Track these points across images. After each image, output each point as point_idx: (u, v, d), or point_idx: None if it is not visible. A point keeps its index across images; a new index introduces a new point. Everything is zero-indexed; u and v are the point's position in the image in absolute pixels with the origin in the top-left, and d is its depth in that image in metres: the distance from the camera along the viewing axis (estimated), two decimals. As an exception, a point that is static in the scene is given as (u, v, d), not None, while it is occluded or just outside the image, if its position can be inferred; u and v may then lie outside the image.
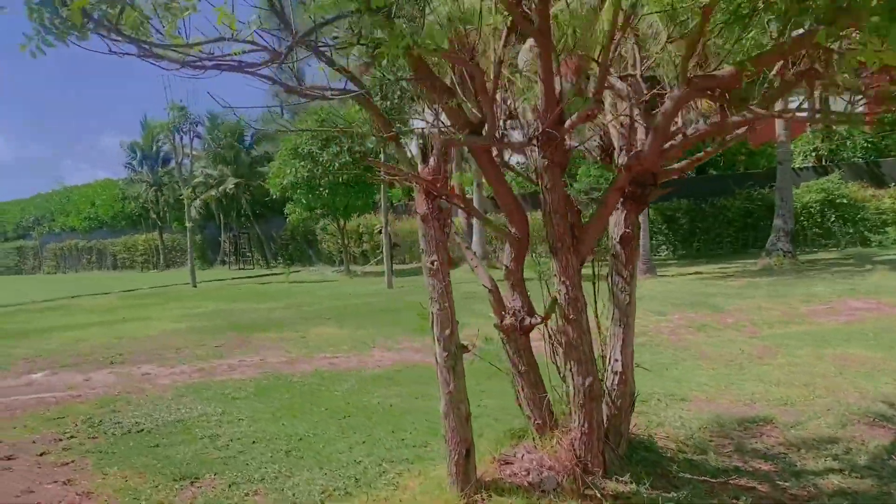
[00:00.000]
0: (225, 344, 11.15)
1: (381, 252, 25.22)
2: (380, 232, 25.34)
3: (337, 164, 23.44)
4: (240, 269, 33.84)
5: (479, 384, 6.55)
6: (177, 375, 8.87)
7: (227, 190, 31.68)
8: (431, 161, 3.98)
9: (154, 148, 37.59)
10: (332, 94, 4.97)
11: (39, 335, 13.39)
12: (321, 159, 23.66)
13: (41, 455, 5.71)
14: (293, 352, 10.11)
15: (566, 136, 4.03)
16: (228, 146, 31.94)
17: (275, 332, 12.03)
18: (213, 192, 30.90)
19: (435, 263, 4.00)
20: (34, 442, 6.12)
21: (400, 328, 11.69)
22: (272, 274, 29.22)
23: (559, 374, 4.49)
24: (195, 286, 23.94)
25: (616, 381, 4.39)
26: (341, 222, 26.50)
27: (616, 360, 4.40)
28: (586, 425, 4.12)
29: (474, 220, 23.46)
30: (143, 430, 6.29)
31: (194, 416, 6.61)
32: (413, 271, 25.38)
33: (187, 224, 24.34)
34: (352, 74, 4.60)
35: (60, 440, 6.13)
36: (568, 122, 3.88)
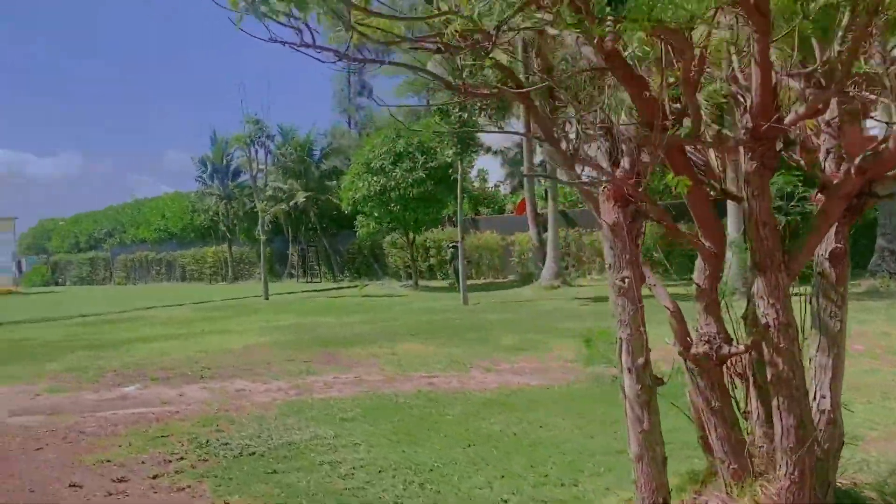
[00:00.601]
0: (314, 359, 10.81)
1: (451, 267, 24.81)
2: (454, 246, 24.94)
3: (410, 180, 23.17)
4: (308, 282, 33.88)
5: (606, 412, 5.98)
6: (273, 392, 8.52)
7: (297, 204, 31.79)
8: (624, 161, 3.46)
9: (224, 161, 38.14)
10: (493, 90, 4.51)
11: (123, 347, 13.32)
12: (393, 174, 23.44)
13: (154, 478, 5.36)
14: (387, 369, 9.69)
15: (780, 136, 3.46)
16: (299, 160, 32.10)
17: (362, 348, 11.65)
18: (282, 206, 31.02)
19: (626, 281, 3.47)
20: (143, 462, 5.79)
21: (489, 347, 11.19)
22: (341, 287, 29.10)
23: (738, 410, 3.91)
24: (267, 299, 23.91)
25: (824, 421, 3.77)
26: (410, 236, 26.22)
27: (823, 397, 3.78)
28: (796, 473, 3.50)
29: (549, 236, 22.85)
30: (254, 453, 5.90)
31: (305, 439, 6.20)
32: (482, 287, 24.88)
33: (261, 237, 24.37)
34: (511, 71, 4.13)
35: (170, 461, 5.79)
36: (791, 117, 3.31)
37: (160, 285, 41.39)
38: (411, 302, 20.25)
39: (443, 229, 29.07)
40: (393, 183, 23.34)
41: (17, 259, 56.92)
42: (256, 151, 24.42)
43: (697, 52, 3.29)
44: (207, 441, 6.31)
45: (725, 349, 3.67)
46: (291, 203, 31.34)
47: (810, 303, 3.93)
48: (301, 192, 32.17)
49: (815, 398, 3.83)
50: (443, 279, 29.46)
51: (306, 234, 34.90)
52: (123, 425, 7.18)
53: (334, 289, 28.73)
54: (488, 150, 33.89)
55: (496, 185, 32.57)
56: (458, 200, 19.74)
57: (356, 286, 29.67)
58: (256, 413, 7.38)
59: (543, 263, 25.28)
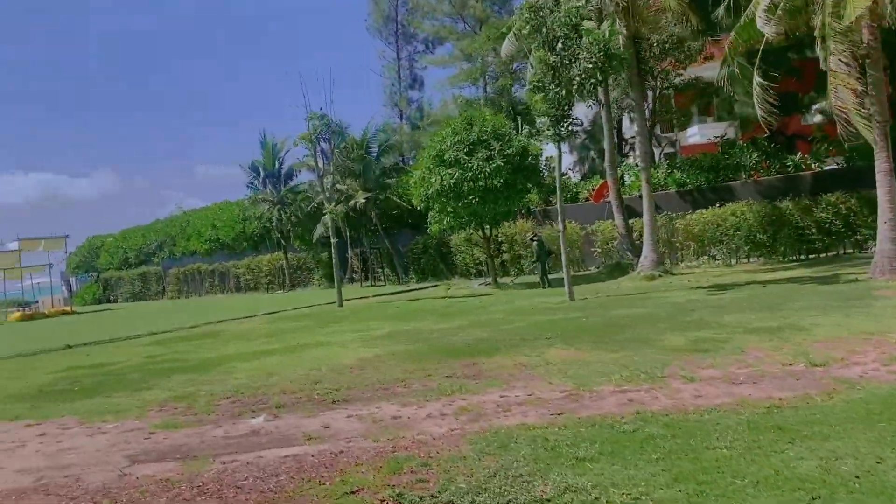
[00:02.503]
0: (455, 373, 9.24)
1: (535, 262, 23.14)
2: (534, 239, 23.24)
3: (487, 170, 21.55)
4: (371, 285, 32.47)
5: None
6: (439, 420, 6.96)
7: (357, 204, 30.37)
8: None
9: (276, 165, 36.92)
10: None
11: (220, 367, 11.91)
12: (469, 165, 21.84)
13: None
14: (557, 383, 8.08)
15: None
16: (357, 159, 30.68)
17: (501, 357, 10.05)
18: (341, 208, 29.61)
19: None
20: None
21: (657, 350, 9.51)
22: (412, 290, 27.58)
23: None
24: (341, 305, 22.47)
25: None
26: (487, 231, 24.62)
27: None
28: None
29: (645, 221, 21.03)
30: (500, 517, 4.32)
31: (556, 494, 4.58)
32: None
33: (332, 239, 22.92)
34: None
35: (390, 536, 4.23)
36: None
37: (215, 297, 40.37)
38: (507, 301, 18.60)
39: (514, 223, 27.41)
40: (469, 174, 21.74)
41: (66, 278, 56.69)
42: (321, 149, 22.97)
43: None
44: (421, 499, 4.74)
45: None
46: (351, 204, 29.90)
47: None
48: (361, 191, 30.74)
49: None
50: (516, 275, 27.81)
51: (366, 235, 33.50)
52: (286, 475, 5.65)
53: (405, 291, 27.22)
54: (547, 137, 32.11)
55: (565, 174, 30.75)
56: (558, 187, 18.09)
57: (427, 287, 28.18)
58: (447, 451, 5.81)
59: (631, 252, 23.49)
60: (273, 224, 36.66)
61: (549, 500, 4.49)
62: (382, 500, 4.82)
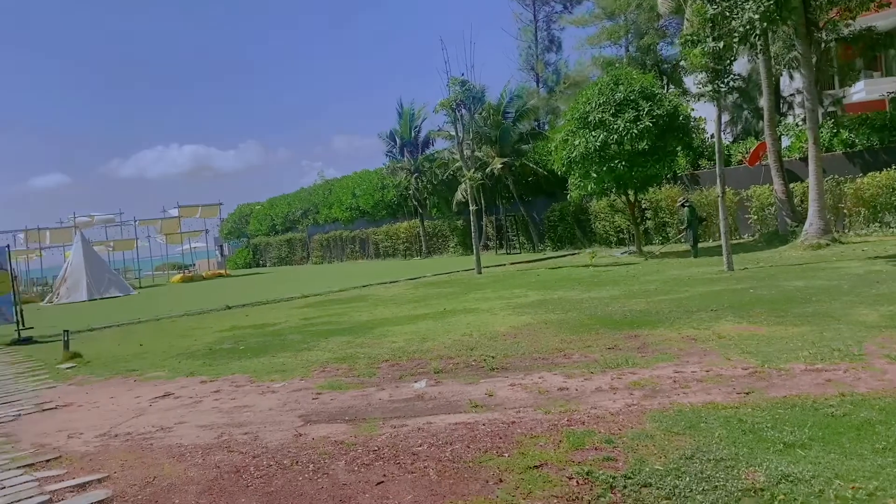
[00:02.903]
0: (617, 345, 8.79)
1: (685, 229, 21.93)
2: (684, 204, 22.01)
3: (635, 131, 20.52)
4: (507, 253, 32.24)
5: None
6: (609, 393, 6.58)
7: (494, 171, 30.05)
8: None
9: (412, 134, 37.26)
10: None
11: (375, 331, 12.07)
12: (615, 127, 20.89)
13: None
14: (736, 358, 7.44)
15: None
16: (494, 125, 30.29)
17: (665, 330, 9.47)
18: (477, 175, 29.39)
19: None
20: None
21: (849, 326, 8.55)
22: (550, 258, 27.08)
23: None
24: (480, 273, 22.37)
25: None
26: (632, 197, 23.61)
27: None
28: None
29: (811, 186, 19.31)
30: (710, 506, 3.91)
31: (772, 482, 4.10)
32: (720, 249, 21.76)
33: (471, 206, 22.78)
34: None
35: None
36: None
37: (356, 263, 41.65)
38: (658, 270, 17.73)
39: (659, 188, 26.11)
40: (615, 136, 20.81)
41: (219, 243, 60.50)
42: (462, 115, 22.75)
43: None
44: (613, 479, 4.42)
45: None
46: (487, 171, 29.61)
47: None
48: (497, 158, 30.37)
49: None
50: (661, 243, 26.60)
51: (501, 202, 33.19)
52: (460, 444, 5.49)
53: (542, 259, 26.75)
54: (700, 96, 30.22)
55: (713, 136, 28.83)
56: (717, 148, 16.89)
57: (564, 255, 27.58)
58: (629, 428, 5.43)
59: (791, 219, 21.76)
60: (410, 192, 37.13)
61: (763, 490, 4.03)
62: (570, 478, 4.53)
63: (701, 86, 16.51)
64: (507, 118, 31.59)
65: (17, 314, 15.66)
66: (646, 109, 20.80)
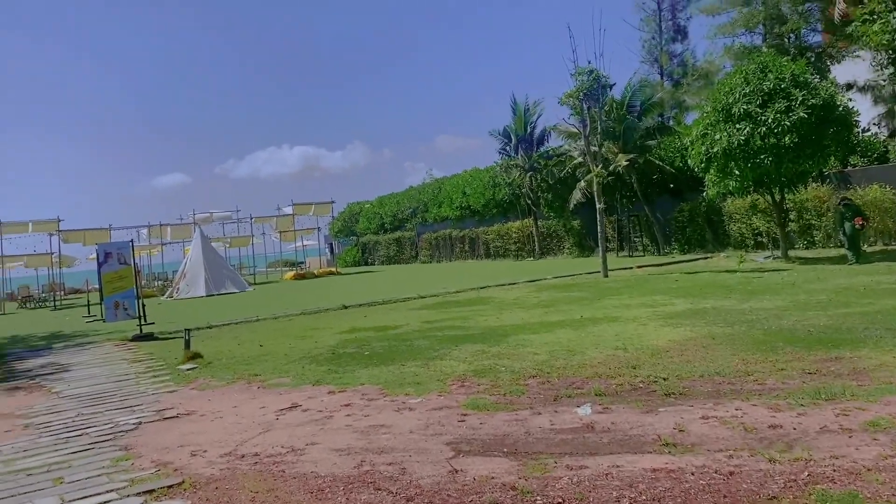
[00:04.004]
0: (818, 369, 7.23)
1: (841, 231, 19.53)
2: (844, 202, 19.59)
3: (787, 124, 18.42)
4: (629, 255, 30.38)
5: None
6: (849, 437, 5.12)
7: (617, 169, 28.29)
8: None
9: (527, 130, 35.92)
10: None
11: (508, 339, 10.91)
12: (762, 119, 18.84)
13: None
14: None
15: None
16: (617, 119, 28.53)
17: (872, 351, 7.80)
18: (604, 171, 27.71)
19: None
20: None
21: None
22: (683, 261, 25.10)
23: None
24: (607, 276, 20.82)
25: None
26: (778, 196, 21.40)
27: None
28: None
29: None
30: None
31: None
32: (879, 255, 19.29)
33: (598, 205, 21.23)
34: None
35: None
36: None
37: (465, 263, 40.75)
38: (818, 278, 15.65)
39: (804, 188, 23.62)
40: (763, 129, 18.76)
41: (329, 241, 61.25)
42: (589, 108, 21.24)
43: None
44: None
45: None
46: (612, 168, 27.88)
47: None
48: (621, 154, 28.58)
49: None
50: (806, 247, 24.12)
51: (623, 202, 31.33)
52: (672, 502, 4.22)
53: (671, 263, 24.81)
54: (849, 86, 27.35)
55: (866, 129, 25.97)
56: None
57: (696, 259, 25.51)
58: (910, 495, 3.99)
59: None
60: (523, 190, 35.81)
61: None
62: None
63: (881, 67, 14.34)
64: (631, 112, 29.72)
65: (139, 309, 15.55)
66: (799, 99, 18.65)
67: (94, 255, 16.09)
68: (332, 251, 59.75)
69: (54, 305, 32.28)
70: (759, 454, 4.95)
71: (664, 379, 7.46)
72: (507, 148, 36.85)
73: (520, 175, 35.57)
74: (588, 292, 16.98)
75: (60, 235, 33.81)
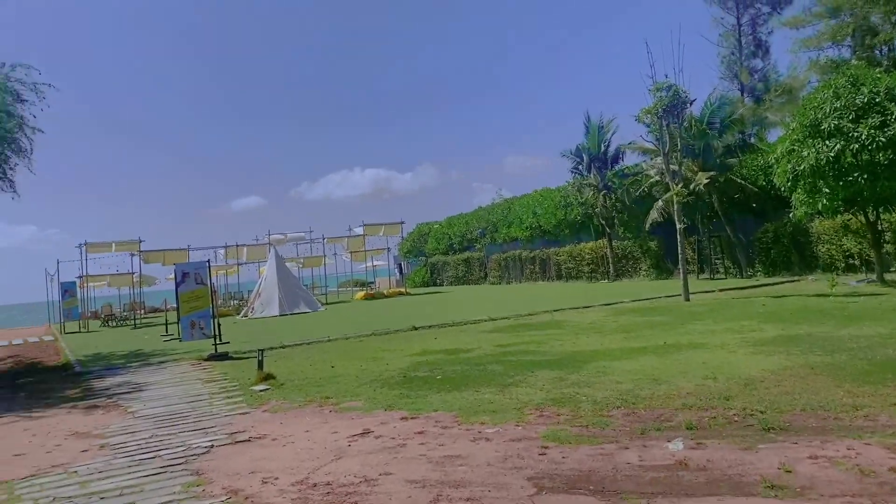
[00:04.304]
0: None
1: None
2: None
3: (882, 140, 17.36)
4: (710, 278, 29.23)
5: None
6: None
7: (697, 188, 27.32)
8: None
9: (601, 149, 35.24)
10: None
11: (588, 366, 10.43)
12: (855, 135, 17.82)
13: None
14: None
15: None
16: (698, 136, 27.59)
17: None
18: (684, 190, 26.80)
19: None
20: None
21: None
22: (769, 284, 23.93)
23: None
24: (688, 300, 19.96)
25: None
26: (872, 216, 20.17)
27: None
28: None
29: None
30: None
31: None
32: None
33: (678, 225, 20.44)
34: None
35: None
36: None
37: (536, 284, 40.12)
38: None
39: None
40: (856, 146, 17.73)
41: (398, 262, 61.59)
42: (668, 124, 20.55)
43: None
44: None
45: None
46: (692, 187, 26.94)
47: None
48: (701, 173, 27.61)
49: None
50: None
51: (703, 222, 30.21)
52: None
53: (757, 286, 23.67)
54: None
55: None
56: None
57: (782, 282, 24.28)
58: None
59: None
60: (596, 210, 35.05)
61: None
62: None
63: None
64: (711, 129, 28.71)
65: (214, 328, 15.73)
66: (895, 114, 17.56)
67: (173, 275, 16.39)
68: (400, 271, 60.05)
69: (134, 324, 33.33)
70: (879, 501, 4.40)
71: (761, 412, 6.89)
72: (580, 167, 36.21)
73: (593, 194, 34.86)
74: (669, 317, 16.27)
75: (141, 256, 34.97)
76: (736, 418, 6.80)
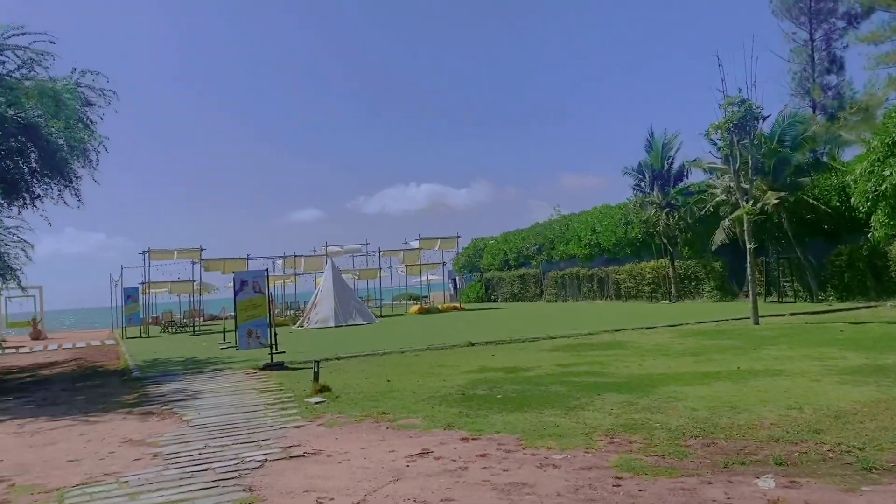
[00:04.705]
0: None
1: None
2: None
3: (975, 156, 16.21)
4: (778, 301, 28.00)
5: None
6: None
7: (766, 207, 26.22)
8: None
9: (664, 166, 34.31)
10: None
11: (657, 389, 9.85)
12: (944, 151, 16.70)
13: None
14: None
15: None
16: (769, 154, 26.51)
17: None
18: (755, 209, 25.73)
19: None
20: None
21: None
22: (843, 310, 22.73)
23: None
24: (757, 323, 19.03)
25: None
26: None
27: None
28: None
29: None
30: None
31: None
32: None
33: (748, 245, 19.56)
34: None
35: None
36: None
37: (594, 303, 39.21)
38: None
39: None
40: (945, 165, 16.64)
41: (453, 276, 61.29)
42: (738, 141, 19.73)
43: None
44: None
45: None
46: (759, 206, 25.85)
47: None
48: (770, 192, 26.52)
49: None
50: None
51: (772, 243, 28.99)
52: None
53: (830, 311, 22.49)
54: None
55: None
56: None
57: (858, 308, 23.03)
58: None
59: None
60: (658, 229, 34.06)
61: None
62: None
63: None
64: (782, 147, 27.59)
65: (270, 338, 15.63)
66: None
67: (232, 284, 16.40)
68: (455, 286, 59.74)
69: (193, 331, 33.80)
70: None
71: (859, 448, 6.26)
72: (642, 184, 35.31)
73: (655, 212, 33.90)
74: (740, 340, 15.46)
75: (202, 264, 35.53)
76: (830, 455, 6.19)
